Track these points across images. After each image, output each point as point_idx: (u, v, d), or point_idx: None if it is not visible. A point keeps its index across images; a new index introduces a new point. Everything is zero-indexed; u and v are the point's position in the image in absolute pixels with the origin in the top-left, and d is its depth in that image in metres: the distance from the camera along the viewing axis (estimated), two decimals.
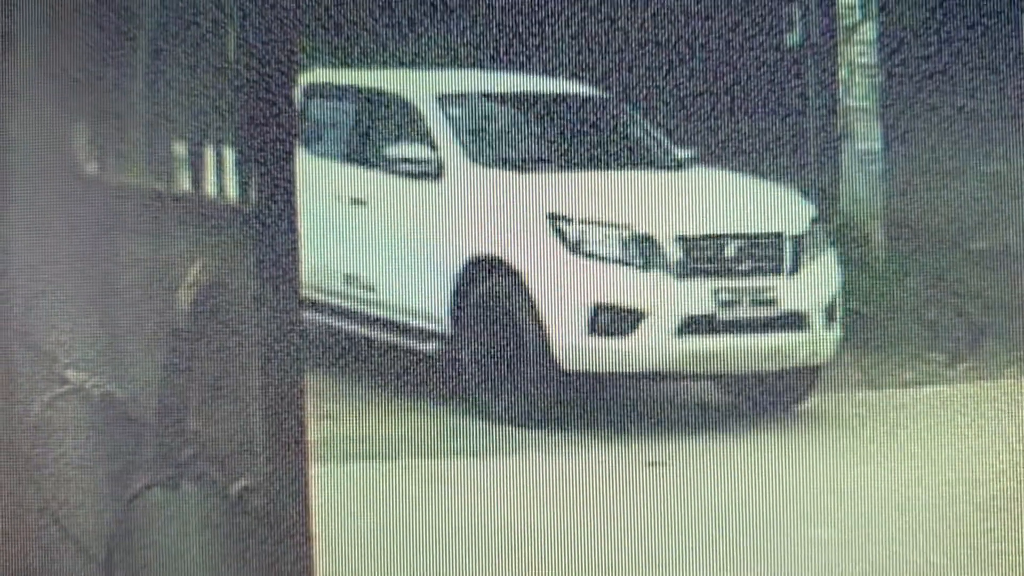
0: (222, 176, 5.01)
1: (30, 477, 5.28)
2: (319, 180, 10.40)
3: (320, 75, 11.49)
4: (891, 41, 12.80)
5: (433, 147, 10.02)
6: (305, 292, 10.34)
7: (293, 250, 4.83)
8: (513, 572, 7.56)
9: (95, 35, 5.40)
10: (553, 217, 9.51)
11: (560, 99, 11.00)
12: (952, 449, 8.91)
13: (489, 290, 9.56)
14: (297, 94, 10.76)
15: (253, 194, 4.77)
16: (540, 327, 9.32)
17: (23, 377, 5.30)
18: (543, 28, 13.29)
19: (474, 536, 7.69)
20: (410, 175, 9.99)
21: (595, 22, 13.23)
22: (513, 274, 9.45)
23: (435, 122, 10.16)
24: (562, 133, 10.79)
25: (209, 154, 5.09)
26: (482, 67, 13.01)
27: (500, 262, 9.51)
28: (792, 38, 13.41)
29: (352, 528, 7.52)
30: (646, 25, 13.27)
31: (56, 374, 5.21)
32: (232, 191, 4.91)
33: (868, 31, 12.16)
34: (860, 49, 12.12)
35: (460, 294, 9.65)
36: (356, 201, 10.22)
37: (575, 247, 9.45)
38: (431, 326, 9.81)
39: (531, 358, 9.36)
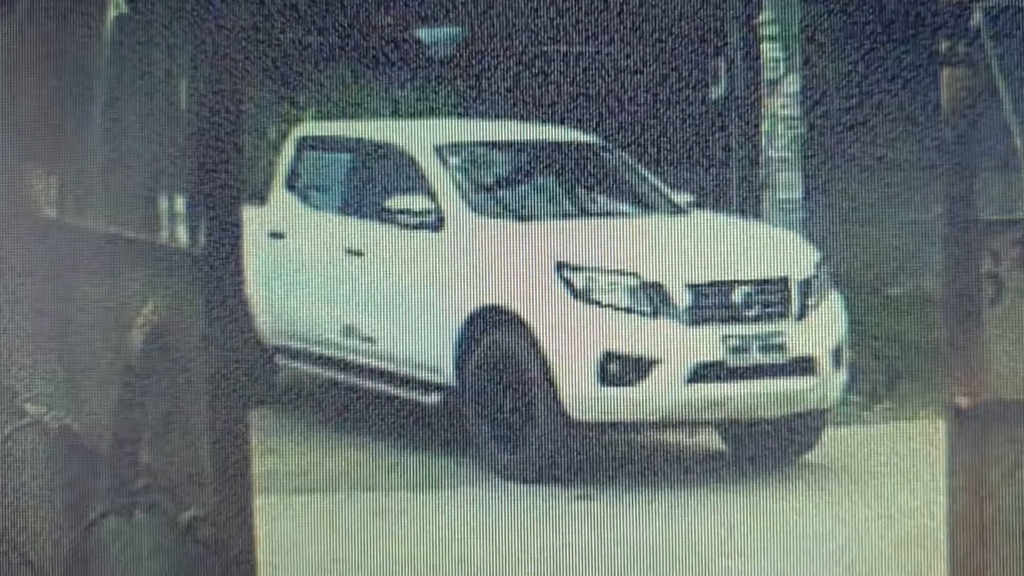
0: (173, 220, 5.16)
1: None
2: (315, 232, 10.25)
3: (313, 128, 11.31)
4: (813, 94, 12.99)
5: (432, 197, 9.82)
6: (303, 344, 10.21)
7: (238, 291, 4.98)
8: None
9: (54, 84, 5.56)
10: (561, 266, 9.29)
11: (558, 146, 10.79)
12: (869, 488, 9.07)
13: (495, 341, 9.33)
14: (289, 147, 10.71)
15: (201, 238, 4.94)
16: (548, 377, 9.11)
17: None
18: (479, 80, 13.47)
19: (413, 568, 7.80)
20: (409, 226, 9.78)
21: (529, 76, 13.42)
22: (520, 324, 9.22)
23: (433, 172, 9.95)
24: (563, 180, 10.53)
25: (161, 199, 5.24)
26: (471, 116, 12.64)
27: (506, 312, 9.29)
28: (717, 91, 13.56)
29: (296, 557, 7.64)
30: (577, 80, 13.46)
31: (16, 408, 5.33)
32: (182, 235, 5.08)
33: (791, 84, 12.32)
34: (783, 102, 12.22)
35: (464, 345, 9.43)
36: (353, 252, 10.00)
37: (583, 295, 9.22)
38: (433, 378, 9.60)
39: (539, 409, 9.13)
